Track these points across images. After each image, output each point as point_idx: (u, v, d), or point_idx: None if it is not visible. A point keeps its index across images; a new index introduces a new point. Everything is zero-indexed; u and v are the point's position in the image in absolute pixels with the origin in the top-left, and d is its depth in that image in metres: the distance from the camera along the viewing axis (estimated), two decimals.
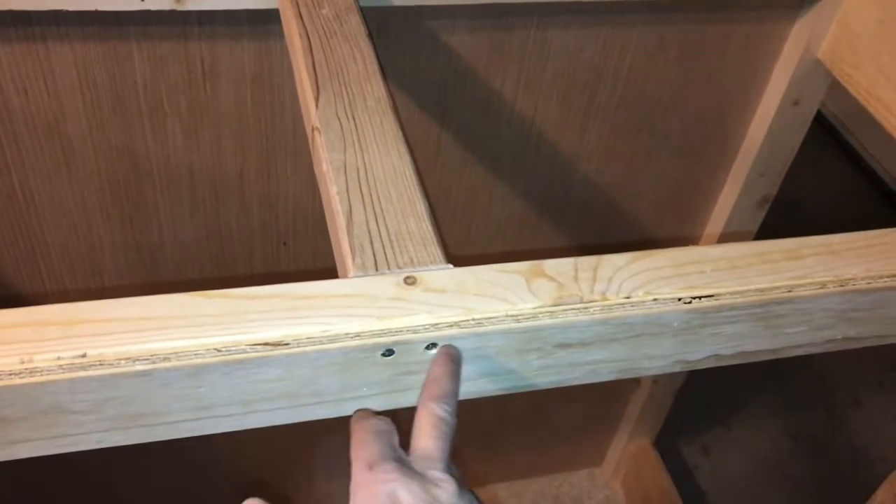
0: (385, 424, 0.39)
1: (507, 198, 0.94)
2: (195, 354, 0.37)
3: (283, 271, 0.92)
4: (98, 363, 0.36)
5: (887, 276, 0.45)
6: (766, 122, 0.90)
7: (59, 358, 0.35)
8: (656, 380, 1.24)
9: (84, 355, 0.36)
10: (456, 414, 0.39)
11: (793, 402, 1.62)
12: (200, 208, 0.84)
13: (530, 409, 1.25)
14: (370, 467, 0.36)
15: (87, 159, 0.77)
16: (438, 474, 0.36)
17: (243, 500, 0.38)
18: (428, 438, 0.38)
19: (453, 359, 0.40)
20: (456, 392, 0.39)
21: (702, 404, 1.54)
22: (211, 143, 0.79)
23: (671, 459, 1.43)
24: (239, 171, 0.82)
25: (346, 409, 0.42)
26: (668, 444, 1.44)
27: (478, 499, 0.38)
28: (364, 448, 0.37)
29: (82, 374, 0.36)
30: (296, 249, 0.91)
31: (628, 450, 1.39)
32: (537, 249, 0.99)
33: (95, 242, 0.84)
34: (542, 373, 0.44)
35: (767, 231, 0.96)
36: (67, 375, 0.35)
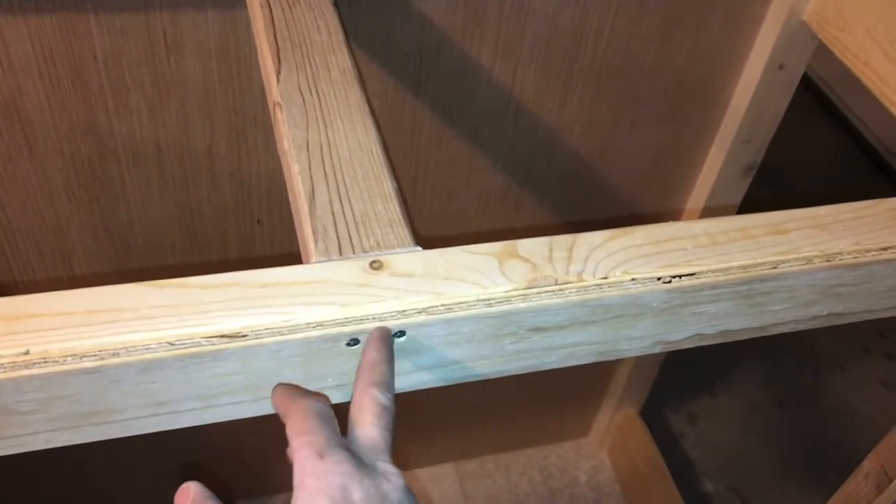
0: (326, 407, 0.36)
1: (488, 169, 0.92)
2: (146, 349, 0.35)
3: (258, 251, 0.90)
4: (42, 360, 0.34)
5: (875, 250, 0.43)
6: (750, 88, 0.88)
7: None
8: None
9: (27, 352, 0.34)
10: (395, 402, 0.37)
11: (779, 369, 1.62)
12: (170, 186, 0.81)
13: (516, 382, 1.24)
14: (321, 456, 0.33)
15: (48, 138, 0.74)
16: (388, 467, 0.35)
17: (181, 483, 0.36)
18: (373, 427, 0.36)
19: (388, 342, 0.38)
20: (393, 378, 0.37)
21: (688, 373, 1.53)
22: (177, 118, 0.76)
23: (658, 428, 1.43)
24: (208, 148, 0.79)
25: None
26: (654, 413, 1.44)
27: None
28: (309, 433, 0.34)
29: (25, 372, 0.34)
30: (270, 227, 0.88)
31: (615, 420, 1.38)
32: (520, 225, 0.97)
33: (63, 225, 0.82)
34: (517, 357, 0.42)
35: (753, 199, 0.94)
36: (9, 374, 0.33)
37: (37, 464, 1.06)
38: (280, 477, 1.26)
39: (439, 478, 1.37)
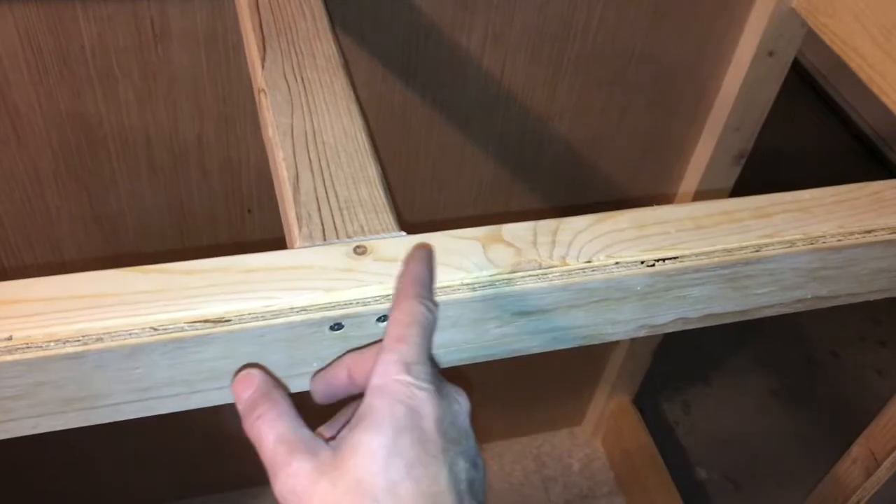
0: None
1: (478, 158, 0.92)
2: (129, 334, 0.35)
3: (248, 240, 0.89)
4: (25, 346, 0.34)
5: (858, 233, 0.43)
6: (740, 75, 0.88)
7: None
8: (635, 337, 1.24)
9: (10, 338, 0.34)
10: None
11: (772, 357, 1.63)
12: (159, 176, 0.81)
13: (509, 370, 1.25)
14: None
15: (36, 127, 0.74)
16: (457, 388, 0.35)
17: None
18: (424, 350, 0.35)
19: (432, 258, 0.38)
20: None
21: (682, 361, 1.54)
22: (166, 107, 0.76)
23: (652, 417, 1.43)
24: (197, 137, 0.79)
25: (296, 385, 0.40)
26: (648, 401, 1.45)
27: None
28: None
29: (8, 357, 0.34)
30: (260, 216, 0.88)
31: (608, 408, 1.39)
32: (511, 213, 0.97)
33: (52, 214, 0.82)
34: (502, 342, 0.42)
35: (743, 187, 0.94)
36: None
37: (33, 453, 1.06)
38: None
39: None
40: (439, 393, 0.34)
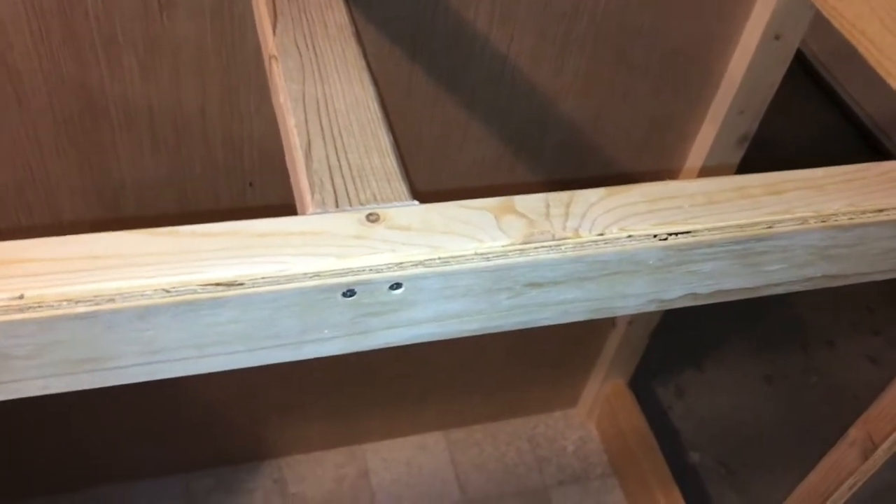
0: None
1: (482, 134, 0.91)
2: (142, 295, 0.34)
3: (250, 214, 0.89)
4: (37, 305, 0.33)
5: (870, 212, 0.43)
6: (746, 58, 0.88)
7: None
8: (631, 321, 1.24)
9: (21, 297, 0.33)
10: None
11: (766, 344, 1.63)
12: (161, 147, 0.81)
13: (505, 351, 1.25)
14: None
15: (38, 94, 0.73)
16: None
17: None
18: None
19: None
20: None
21: (676, 346, 1.54)
22: (170, 78, 0.75)
23: (646, 400, 1.44)
24: (200, 108, 0.78)
25: (307, 352, 0.40)
26: (642, 385, 1.45)
27: None
28: None
29: (19, 316, 0.33)
30: (262, 190, 0.88)
31: (603, 391, 1.39)
32: (513, 188, 0.97)
33: (52, 183, 0.81)
34: (512, 313, 0.42)
35: (744, 171, 0.94)
36: (3, 318, 0.33)
37: (25, 424, 1.06)
38: (269, 443, 1.26)
39: (428, 445, 1.38)
40: None
